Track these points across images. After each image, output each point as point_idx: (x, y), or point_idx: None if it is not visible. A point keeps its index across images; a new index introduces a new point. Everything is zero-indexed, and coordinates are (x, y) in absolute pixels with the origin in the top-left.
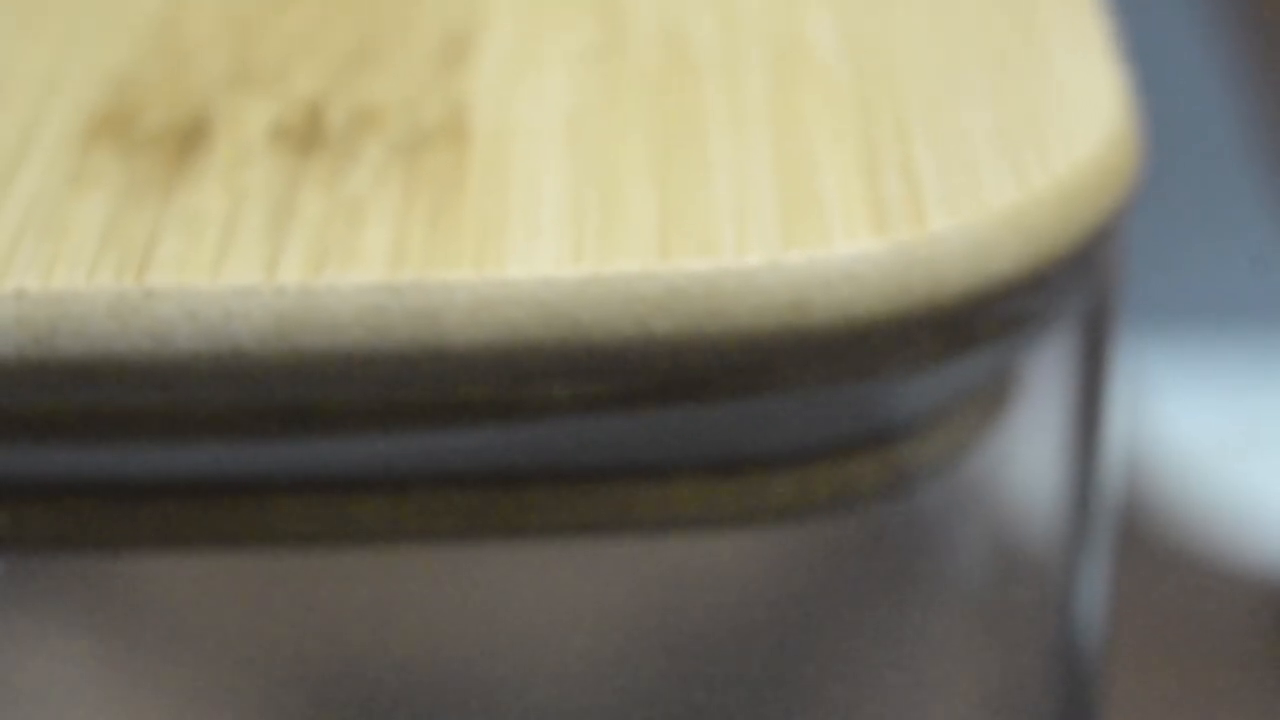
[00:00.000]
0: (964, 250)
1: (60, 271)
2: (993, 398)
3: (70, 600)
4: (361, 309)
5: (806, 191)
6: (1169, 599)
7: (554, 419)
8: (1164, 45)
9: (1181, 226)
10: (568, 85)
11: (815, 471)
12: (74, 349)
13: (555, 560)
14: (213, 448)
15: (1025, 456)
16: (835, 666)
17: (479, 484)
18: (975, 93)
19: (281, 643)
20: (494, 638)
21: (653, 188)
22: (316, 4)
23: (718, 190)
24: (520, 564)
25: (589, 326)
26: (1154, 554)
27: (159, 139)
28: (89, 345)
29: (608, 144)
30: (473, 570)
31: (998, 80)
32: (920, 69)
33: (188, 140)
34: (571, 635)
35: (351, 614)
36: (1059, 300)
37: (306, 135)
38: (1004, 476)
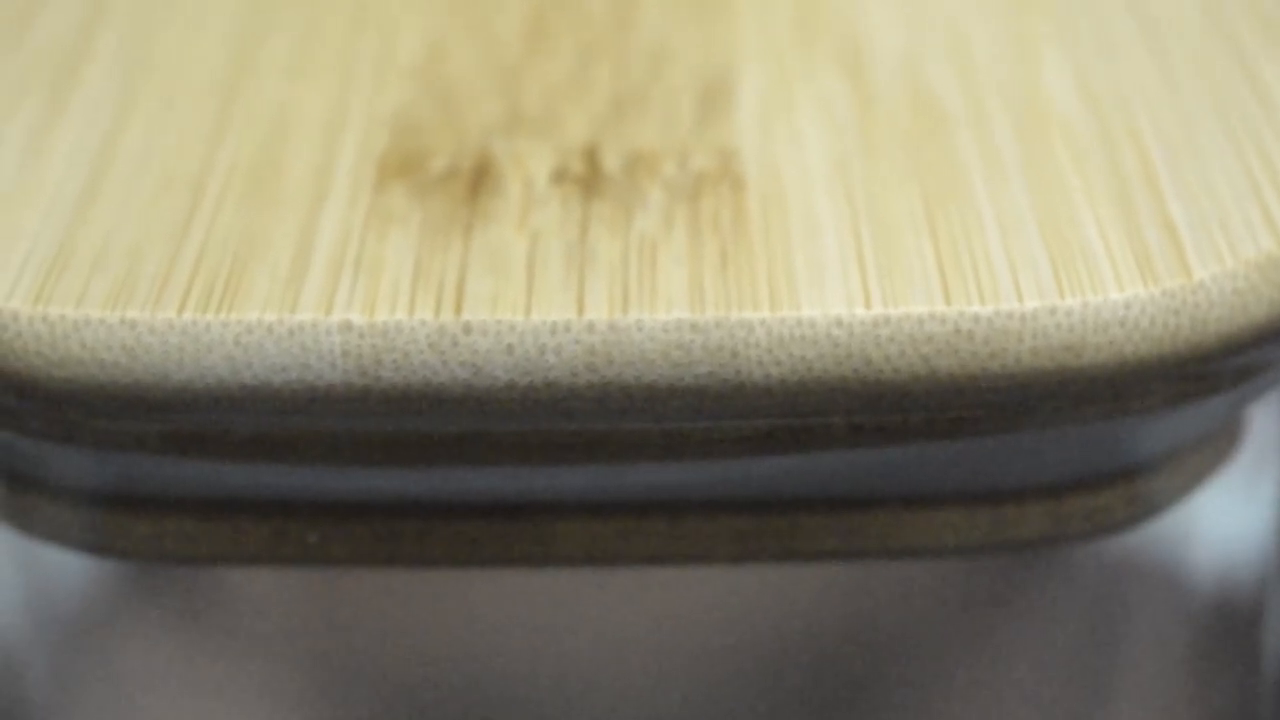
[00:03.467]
0: (1225, 299)
1: (381, 306)
2: (1226, 436)
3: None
4: (666, 345)
5: (1073, 240)
6: None
7: (834, 450)
8: None
9: None
10: (826, 134)
11: (1067, 502)
12: (395, 379)
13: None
14: (513, 473)
15: (1249, 494)
16: (1048, 689)
17: (753, 510)
18: (1213, 143)
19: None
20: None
21: (926, 233)
22: (570, 53)
23: (988, 237)
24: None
25: (878, 365)
26: None
27: (448, 181)
28: (410, 376)
29: (876, 191)
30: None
31: (1232, 130)
32: (1157, 119)
33: (477, 182)
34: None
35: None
36: None
37: (588, 179)
38: (1228, 511)
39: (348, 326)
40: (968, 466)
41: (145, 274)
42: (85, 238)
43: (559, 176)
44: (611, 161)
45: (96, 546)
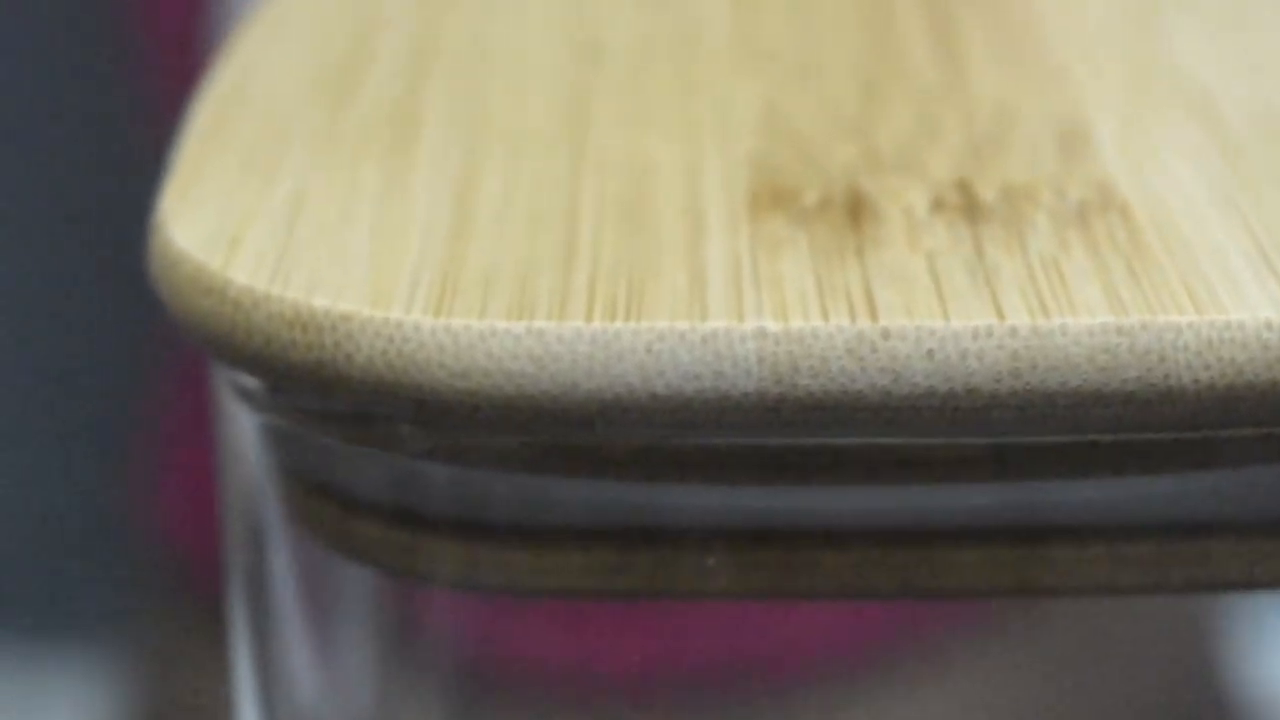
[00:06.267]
0: None
1: (794, 313)
2: None
3: None
4: (1092, 349)
5: None
6: None
7: (1250, 465)
8: None
9: None
10: (1194, 167)
11: None
12: (812, 387)
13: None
14: (904, 493)
15: None
16: None
17: (1152, 535)
18: None
19: None
20: None
21: None
22: (910, 108)
23: None
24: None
25: None
26: None
27: (825, 210)
28: (828, 383)
29: (1267, 216)
30: None
31: None
32: None
33: (854, 213)
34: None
35: None
36: None
37: (966, 208)
38: None
39: (762, 334)
40: None
41: (542, 292)
42: (468, 267)
43: (938, 206)
44: (987, 193)
45: (461, 580)
